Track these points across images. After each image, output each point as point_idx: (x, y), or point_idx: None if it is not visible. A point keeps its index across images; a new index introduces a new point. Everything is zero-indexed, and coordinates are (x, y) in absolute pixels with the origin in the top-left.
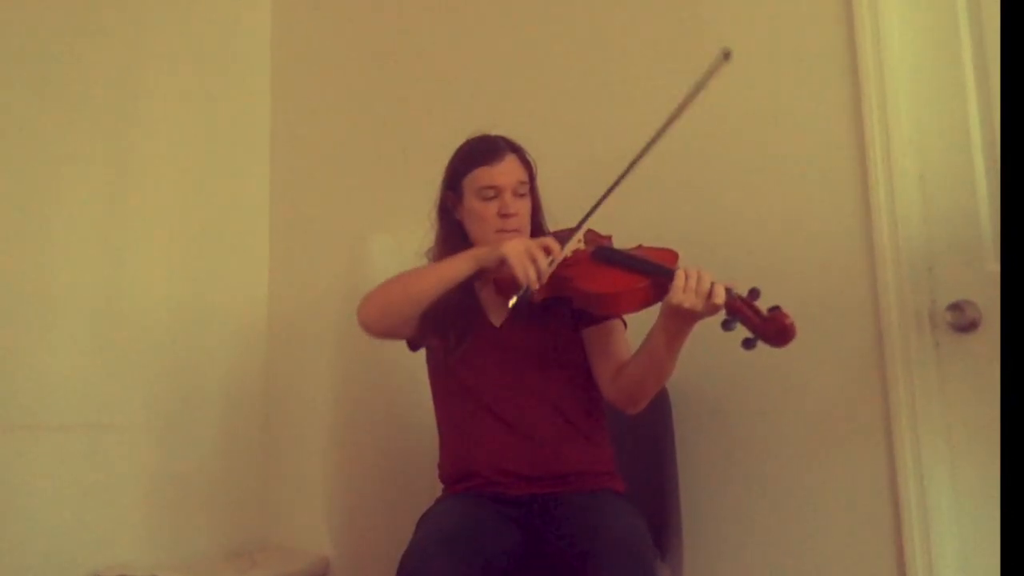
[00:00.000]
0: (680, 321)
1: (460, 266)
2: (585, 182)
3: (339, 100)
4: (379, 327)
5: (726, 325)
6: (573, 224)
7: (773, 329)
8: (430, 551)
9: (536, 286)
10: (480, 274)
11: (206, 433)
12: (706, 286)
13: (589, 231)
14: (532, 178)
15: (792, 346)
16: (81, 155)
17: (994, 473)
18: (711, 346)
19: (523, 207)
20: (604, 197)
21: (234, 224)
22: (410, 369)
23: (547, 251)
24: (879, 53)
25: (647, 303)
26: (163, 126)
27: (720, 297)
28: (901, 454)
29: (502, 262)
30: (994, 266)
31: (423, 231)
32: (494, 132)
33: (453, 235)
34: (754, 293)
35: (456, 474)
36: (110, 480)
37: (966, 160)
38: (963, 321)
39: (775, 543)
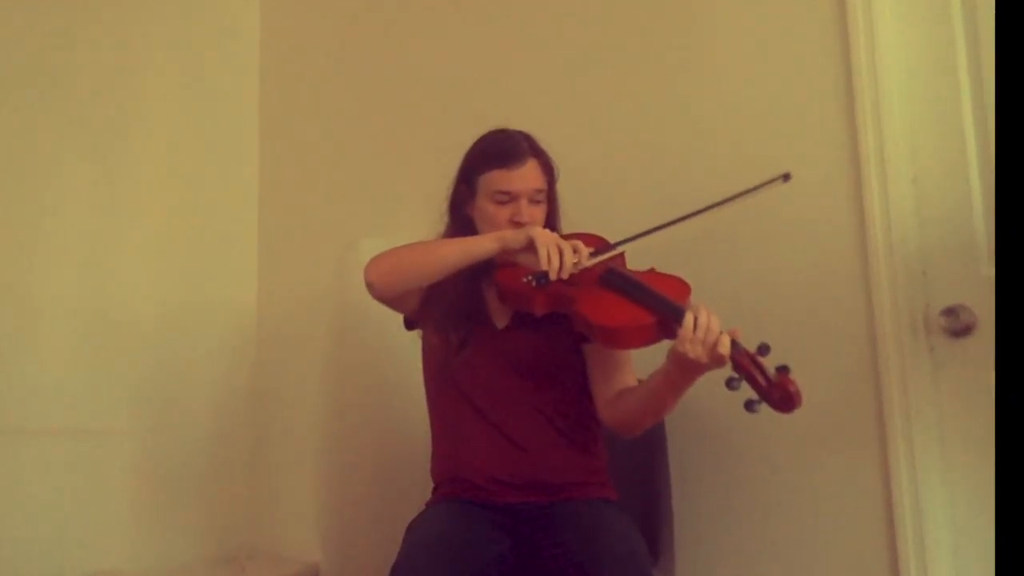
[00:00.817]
0: (684, 369)
1: (485, 244)
2: (583, 185)
3: (328, 103)
4: (383, 288)
5: (730, 384)
6: (579, 230)
7: (778, 396)
8: (420, 561)
9: (555, 277)
10: (503, 255)
11: (194, 438)
12: (713, 337)
13: (600, 242)
14: (551, 183)
15: (786, 352)
16: (67, 157)
17: (989, 480)
18: None
19: (538, 214)
20: (632, 239)
21: (222, 227)
22: (401, 374)
23: (575, 251)
24: (872, 54)
25: (650, 342)
26: (150, 128)
27: (725, 348)
28: (895, 461)
29: (528, 246)
30: (989, 270)
31: (413, 234)
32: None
33: (462, 230)
34: (763, 349)
35: (445, 476)
36: (96, 486)
37: (960, 162)
38: (958, 325)
39: (768, 551)
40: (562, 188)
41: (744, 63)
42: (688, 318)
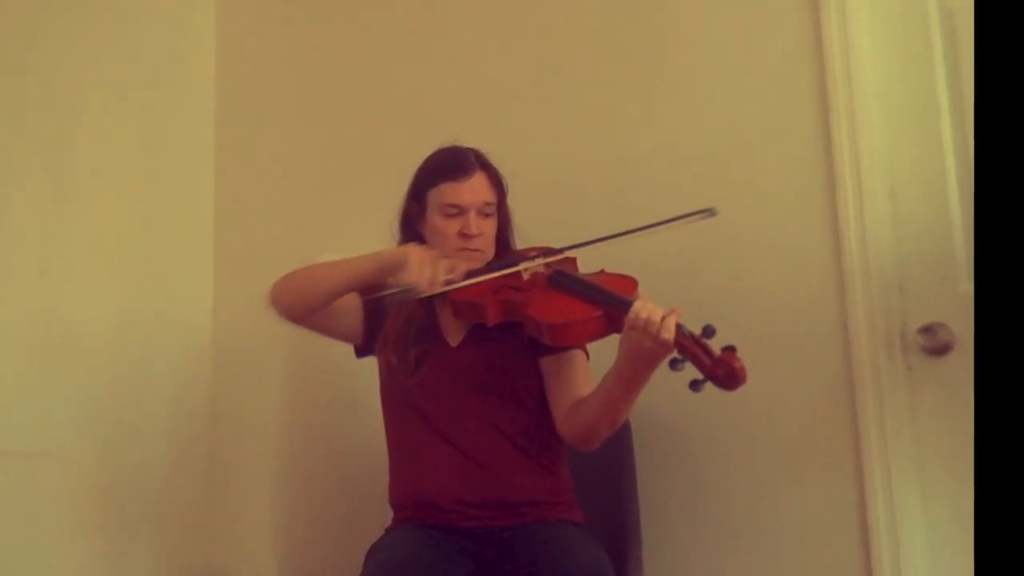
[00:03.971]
0: (635, 361)
1: (363, 264)
2: (548, 197)
3: (287, 116)
4: (281, 310)
5: (673, 364)
6: (537, 244)
7: (723, 372)
8: None
9: (421, 292)
10: (381, 274)
11: (148, 460)
12: (656, 321)
13: (549, 250)
14: (501, 197)
15: (758, 370)
16: (16, 170)
17: (967, 503)
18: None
19: (488, 227)
20: (565, 250)
21: (176, 241)
22: (361, 394)
23: (450, 270)
24: (848, 66)
25: (598, 335)
26: (102, 140)
27: (669, 331)
28: (871, 483)
29: (402, 265)
30: (968, 287)
31: (373, 248)
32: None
33: None
34: (708, 331)
35: (405, 500)
36: (46, 510)
37: (938, 175)
38: (935, 344)
39: None
40: (525, 201)
41: (716, 74)
42: (633, 308)
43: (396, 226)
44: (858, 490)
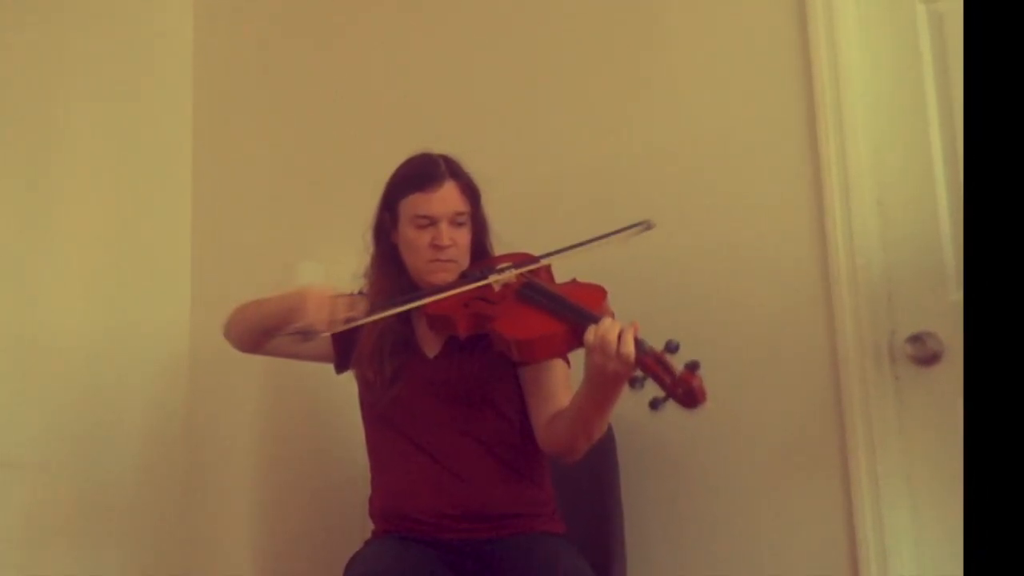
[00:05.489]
0: (600, 380)
1: (271, 306)
2: (527, 202)
3: (265, 124)
4: (233, 343)
5: (633, 383)
6: (516, 250)
7: (681, 391)
8: None
9: (320, 329)
10: (290, 314)
11: (124, 470)
12: (613, 339)
13: (524, 258)
14: (475, 205)
15: (744, 380)
16: None
17: (957, 514)
18: None
19: (460, 237)
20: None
21: (153, 248)
22: (340, 404)
23: (350, 307)
24: (835, 72)
25: (564, 351)
26: (78, 149)
27: (628, 347)
28: (859, 495)
29: (299, 308)
30: (957, 295)
31: (352, 257)
32: (435, 151)
33: (386, 259)
34: (670, 345)
35: (385, 512)
36: (20, 520)
37: (927, 182)
38: (924, 353)
39: None
40: (504, 207)
41: (701, 80)
42: (591, 328)
43: (369, 236)
44: (846, 502)
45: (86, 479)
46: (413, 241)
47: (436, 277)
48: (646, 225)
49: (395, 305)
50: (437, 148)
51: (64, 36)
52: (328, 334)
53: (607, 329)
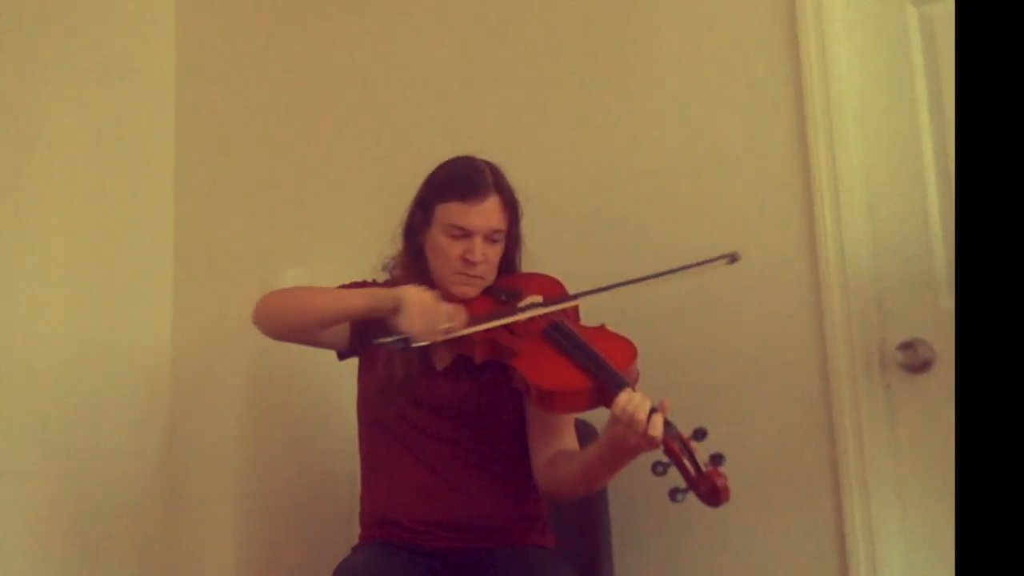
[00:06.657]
0: (618, 450)
1: (356, 301)
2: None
3: (249, 127)
4: (266, 331)
5: (656, 469)
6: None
7: (705, 488)
8: None
9: (417, 342)
10: (374, 313)
11: (107, 482)
12: (642, 419)
13: (556, 285)
14: (513, 222)
15: (733, 388)
16: None
17: (948, 525)
18: (647, 389)
19: (493, 254)
20: (576, 297)
21: (135, 256)
22: (323, 415)
23: (449, 318)
24: (825, 77)
25: (585, 409)
26: (59, 154)
27: (657, 431)
28: (849, 504)
29: (396, 308)
30: (948, 302)
31: (338, 264)
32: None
33: (412, 258)
34: (698, 433)
35: (373, 518)
36: (1, 532)
37: (918, 188)
38: (915, 361)
39: None
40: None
41: (691, 86)
42: (621, 398)
43: (398, 230)
44: (836, 509)
45: (67, 490)
46: (444, 249)
47: (460, 290)
48: (732, 257)
49: (494, 318)
50: (421, 152)
51: (44, 41)
52: (419, 346)
53: (637, 406)
